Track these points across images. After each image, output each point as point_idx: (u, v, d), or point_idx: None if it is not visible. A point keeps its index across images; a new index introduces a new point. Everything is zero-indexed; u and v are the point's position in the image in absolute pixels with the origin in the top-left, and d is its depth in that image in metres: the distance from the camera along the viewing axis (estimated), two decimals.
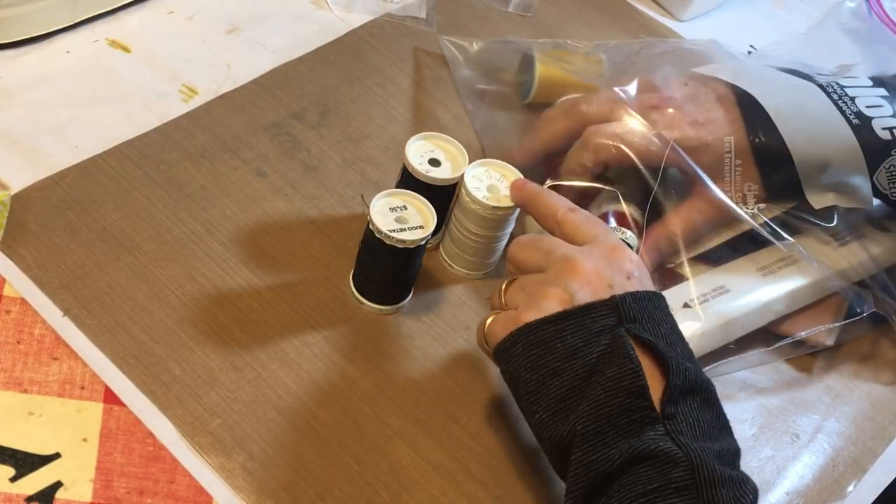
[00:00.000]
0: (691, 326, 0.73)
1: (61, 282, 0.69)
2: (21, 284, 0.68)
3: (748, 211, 0.76)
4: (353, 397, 0.69)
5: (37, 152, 0.76)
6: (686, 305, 0.74)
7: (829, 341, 0.78)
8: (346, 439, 0.67)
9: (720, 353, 0.75)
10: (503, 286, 0.67)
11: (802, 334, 0.77)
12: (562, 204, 0.68)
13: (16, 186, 0.73)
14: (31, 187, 0.73)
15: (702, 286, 0.76)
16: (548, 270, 0.64)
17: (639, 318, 0.61)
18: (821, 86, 0.77)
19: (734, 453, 0.60)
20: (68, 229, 0.72)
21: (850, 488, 0.73)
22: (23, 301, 0.68)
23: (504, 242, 0.77)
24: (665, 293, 0.73)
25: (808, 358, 0.79)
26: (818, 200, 0.76)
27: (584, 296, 0.62)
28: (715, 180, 0.75)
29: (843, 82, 0.78)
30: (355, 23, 0.93)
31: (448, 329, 0.74)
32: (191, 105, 0.82)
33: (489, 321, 0.66)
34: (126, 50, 0.84)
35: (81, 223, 0.72)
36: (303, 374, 0.69)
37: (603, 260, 0.63)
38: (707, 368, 0.73)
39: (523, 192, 0.72)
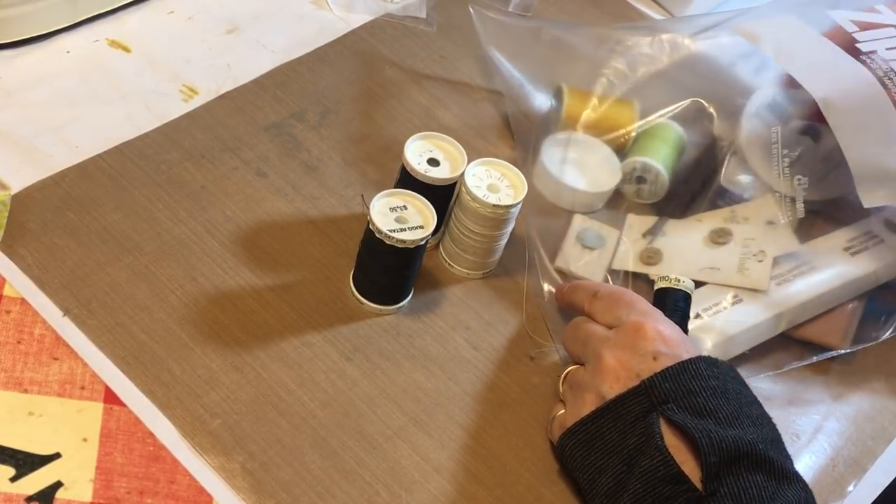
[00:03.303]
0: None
1: (61, 282, 0.69)
2: (21, 284, 0.68)
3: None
4: (353, 397, 0.69)
5: (37, 152, 0.76)
6: (697, 316, 0.76)
7: (846, 347, 0.78)
8: (346, 439, 0.67)
9: (737, 360, 0.76)
10: (563, 376, 0.70)
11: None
12: (589, 292, 0.71)
13: (16, 186, 0.73)
14: (31, 187, 0.73)
15: (715, 295, 0.77)
16: (586, 367, 0.67)
17: (672, 396, 0.61)
18: (878, 77, 0.76)
19: (793, 501, 0.60)
20: (68, 229, 0.72)
21: (850, 488, 0.73)
22: (23, 301, 0.68)
23: (504, 241, 0.77)
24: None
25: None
26: (869, 198, 0.75)
27: (614, 392, 0.63)
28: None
29: None
30: (355, 23, 0.93)
31: (448, 329, 0.74)
32: (191, 105, 0.82)
33: (554, 419, 0.68)
34: (126, 50, 0.84)
35: (81, 223, 0.72)
36: (303, 374, 0.69)
37: (626, 349, 0.64)
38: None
39: (560, 295, 0.75)
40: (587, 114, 0.86)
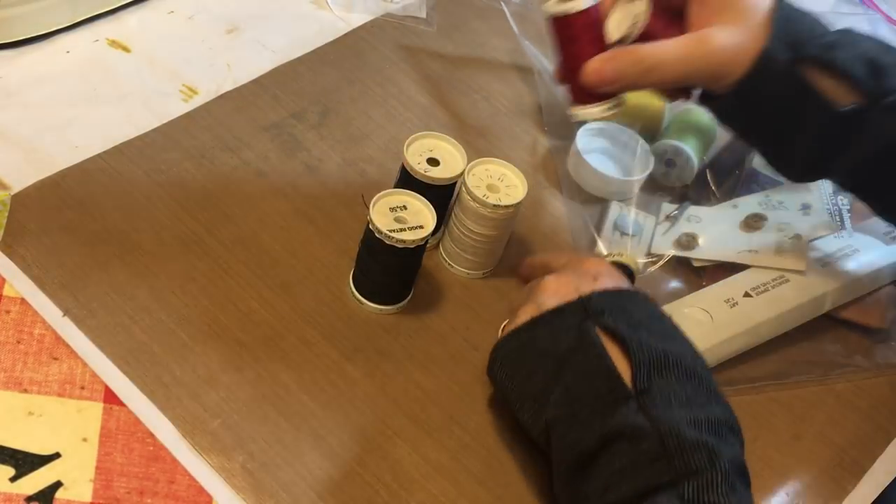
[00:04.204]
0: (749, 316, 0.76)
1: (61, 282, 0.69)
2: (21, 284, 0.68)
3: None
4: (353, 397, 0.69)
5: (37, 152, 0.76)
6: (747, 295, 0.77)
7: (886, 323, 0.81)
8: (346, 439, 0.67)
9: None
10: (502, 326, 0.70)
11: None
12: (557, 261, 0.71)
13: (16, 186, 0.73)
14: (31, 187, 0.73)
15: (761, 276, 0.79)
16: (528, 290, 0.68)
17: (607, 311, 0.62)
18: None
19: (721, 420, 0.60)
20: (68, 229, 0.72)
21: (850, 488, 0.73)
22: (23, 301, 0.68)
23: (504, 241, 0.77)
24: (721, 283, 0.78)
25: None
26: None
27: (553, 303, 0.64)
28: None
29: None
30: (355, 23, 0.93)
31: (448, 329, 0.74)
32: (191, 105, 0.82)
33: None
34: (126, 50, 0.84)
35: (81, 223, 0.72)
36: (303, 374, 0.69)
37: (570, 272, 0.66)
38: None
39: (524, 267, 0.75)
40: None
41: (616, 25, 0.68)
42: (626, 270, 0.74)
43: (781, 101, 0.68)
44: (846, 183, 0.73)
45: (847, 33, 0.69)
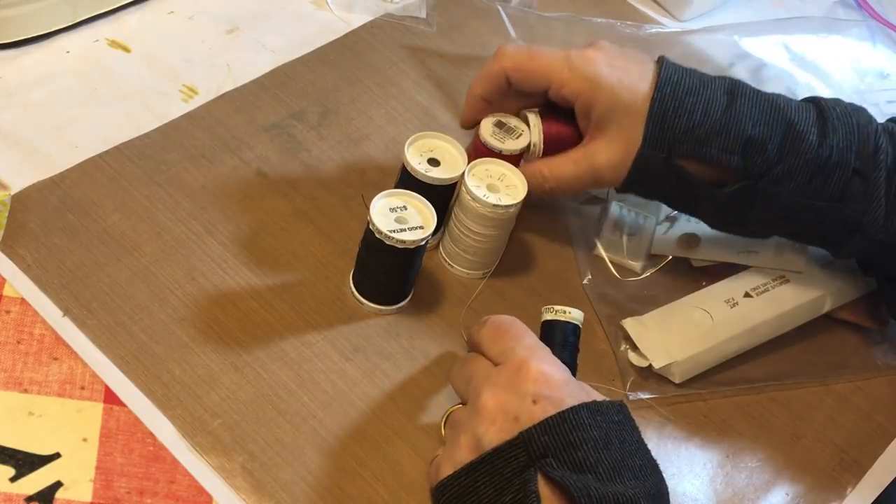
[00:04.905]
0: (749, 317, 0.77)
1: (61, 282, 0.69)
2: (21, 284, 0.68)
3: None
4: (353, 397, 0.69)
5: (37, 152, 0.76)
6: (747, 295, 0.77)
7: (883, 325, 0.81)
8: (346, 439, 0.67)
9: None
10: (445, 416, 0.66)
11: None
12: (480, 322, 0.66)
13: (16, 186, 0.73)
14: (31, 187, 0.73)
15: (761, 276, 0.79)
16: (466, 406, 0.63)
17: (551, 450, 0.57)
18: None
19: None
20: (68, 229, 0.72)
21: (850, 488, 0.73)
22: (23, 301, 0.68)
23: (504, 241, 0.77)
24: (721, 283, 0.78)
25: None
26: None
27: (492, 437, 0.59)
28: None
29: None
30: (355, 23, 0.93)
31: (448, 329, 0.74)
32: (191, 105, 0.82)
33: (432, 462, 0.64)
34: (126, 50, 0.84)
35: (81, 223, 0.72)
36: (303, 374, 0.69)
37: (507, 390, 0.60)
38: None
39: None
40: None
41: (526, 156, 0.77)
42: (567, 327, 0.67)
43: (668, 190, 0.75)
44: (769, 233, 0.77)
45: (729, 110, 0.72)
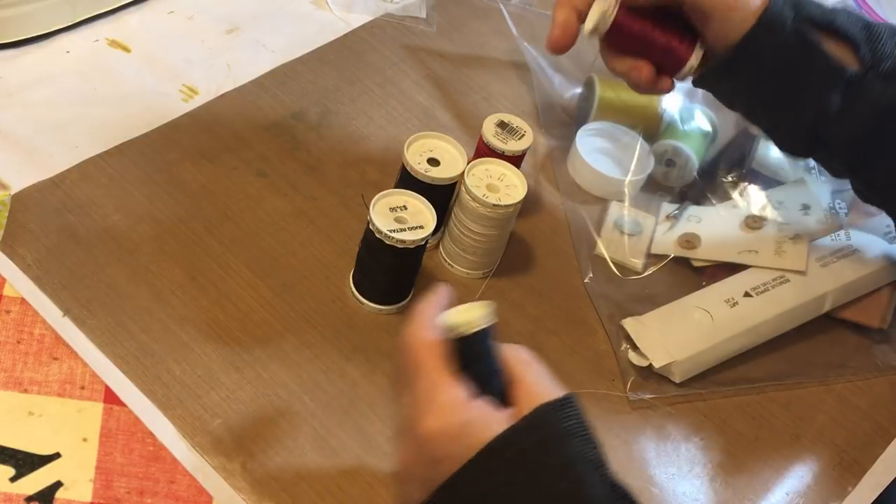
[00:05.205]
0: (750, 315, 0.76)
1: (61, 282, 0.69)
2: (21, 284, 0.68)
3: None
4: (353, 397, 0.69)
5: (37, 152, 0.76)
6: (747, 295, 0.77)
7: (883, 324, 0.81)
8: (346, 439, 0.67)
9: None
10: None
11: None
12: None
13: (16, 186, 0.73)
14: (31, 187, 0.73)
15: (761, 276, 0.79)
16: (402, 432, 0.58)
17: None
18: None
19: None
20: (68, 229, 0.72)
21: (850, 488, 0.73)
22: (23, 301, 0.68)
23: (504, 241, 0.77)
24: (721, 283, 0.78)
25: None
26: None
27: (417, 498, 0.54)
28: None
29: None
30: (355, 23, 0.93)
31: None
32: (191, 105, 0.82)
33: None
34: (126, 50, 0.84)
35: (81, 223, 0.72)
36: (303, 374, 0.69)
37: (411, 451, 0.56)
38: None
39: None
40: (619, 103, 0.87)
41: (590, 18, 0.71)
42: (476, 338, 0.56)
43: (786, 59, 0.69)
44: (841, 157, 0.72)
45: (841, 7, 0.69)
